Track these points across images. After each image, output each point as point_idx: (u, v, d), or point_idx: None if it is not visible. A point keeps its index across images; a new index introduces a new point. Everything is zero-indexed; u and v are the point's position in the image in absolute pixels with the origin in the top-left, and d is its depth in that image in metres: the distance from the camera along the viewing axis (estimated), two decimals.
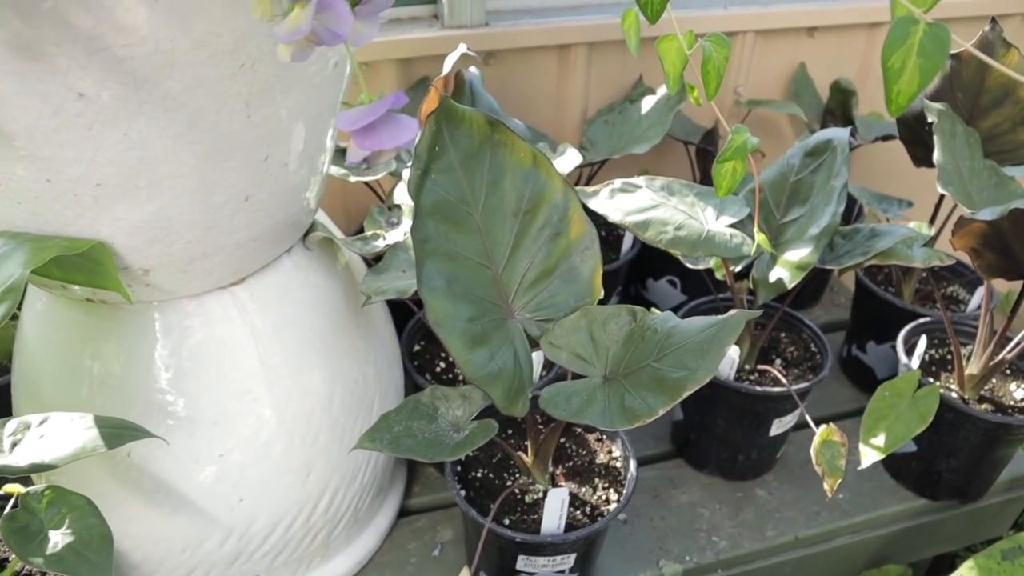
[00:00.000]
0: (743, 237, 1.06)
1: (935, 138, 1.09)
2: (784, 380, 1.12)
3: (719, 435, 1.22)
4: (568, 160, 1.20)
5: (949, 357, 1.27)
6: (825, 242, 1.06)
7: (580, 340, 0.88)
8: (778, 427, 1.20)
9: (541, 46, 1.36)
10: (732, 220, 1.10)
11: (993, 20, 1.05)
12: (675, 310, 1.45)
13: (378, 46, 1.27)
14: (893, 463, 1.28)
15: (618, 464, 1.07)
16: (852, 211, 1.49)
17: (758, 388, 1.13)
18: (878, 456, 1.06)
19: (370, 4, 0.55)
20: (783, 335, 1.28)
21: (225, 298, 0.89)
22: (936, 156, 1.09)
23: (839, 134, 1.08)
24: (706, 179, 1.47)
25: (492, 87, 1.38)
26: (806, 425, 1.36)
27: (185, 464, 0.89)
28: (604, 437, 1.11)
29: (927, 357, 1.27)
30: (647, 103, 1.30)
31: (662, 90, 1.29)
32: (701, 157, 1.44)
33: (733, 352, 1.16)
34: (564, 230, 0.91)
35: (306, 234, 0.98)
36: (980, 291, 1.40)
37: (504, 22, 1.34)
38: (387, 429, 0.90)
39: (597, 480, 1.05)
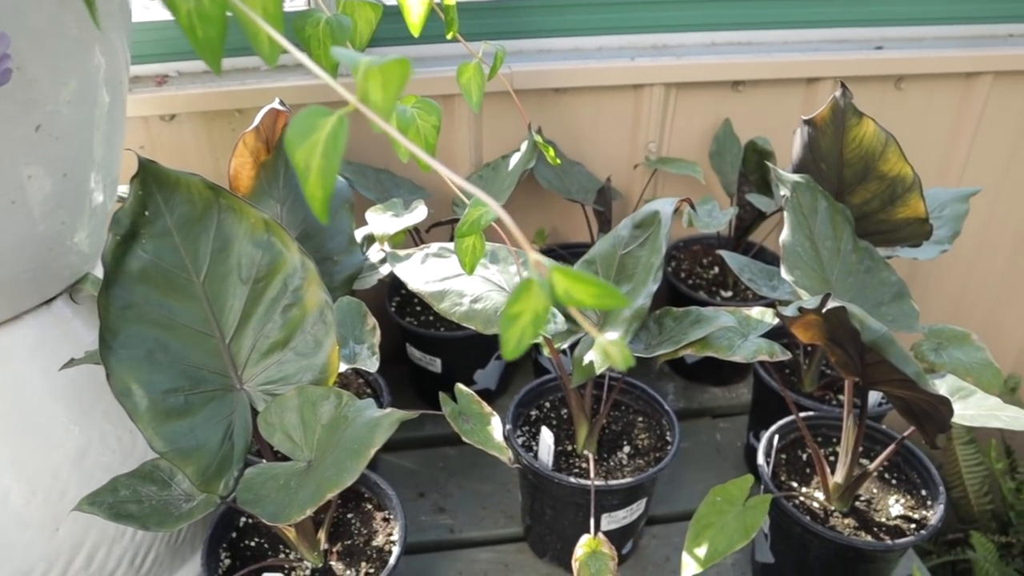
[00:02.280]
0: (552, 315, 0.97)
1: (785, 214, 0.97)
2: (591, 472, 1.01)
3: (548, 524, 1.12)
4: (409, 218, 1.14)
5: (833, 459, 1.13)
6: (636, 326, 0.95)
7: (292, 421, 0.82)
8: (611, 522, 1.08)
9: (426, 95, 1.30)
10: None
11: (843, 85, 0.93)
12: (501, 388, 1.37)
13: (264, 92, 1.24)
14: (759, 572, 1.14)
15: (393, 548, 0.98)
16: None
17: (571, 480, 1.03)
18: (697, 568, 0.94)
19: None
20: (640, 420, 1.17)
21: None
22: (783, 235, 0.96)
23: (665, 206, 0.97)
24: None
25: (376, 138, 1.33)
26: (686, 517, 1.24)
27: None
28: (390, 517, 1.03)
29: (805, 457, 1.13)
30: (514, 159, 1.22)
31: (525, 147, 1.21)
32: (599, 217, 1.34)
33: (548, 437, 1.06)
34: (299, 300, 0.85)
35: (76, 284, 0.96)
36: None
37: None
38: (112, 492, 0.86)
39: (363, 564, 0.97)
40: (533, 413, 1.18)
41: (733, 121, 1.40)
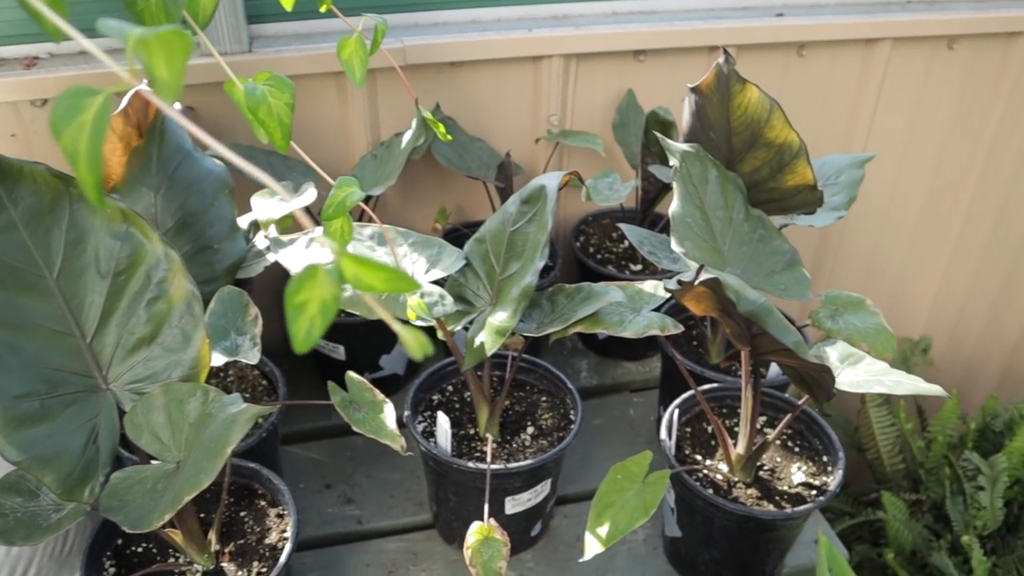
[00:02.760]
0: (439, 296, 0.94)
1: (674, 185, 0.95)
2: (490, 456, 0.99)
3: (454, 510, 1.09)
4: (297, 201, 1.09)
5: (737, 430, 1.12)
6: (524, 304, 0.92)
7: (159, 420, 0.77)
8: (515, 505, 1.06)
9: (315, 73, 1.26)
10: (443, 274, 0.98)
11: (725, 51, 0.91)
12: (410, 372, 1.34)
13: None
14: (669, 546, 1.13)
15: (285, 545, 0.95)
16: None
17: (470, 465, 1.00)
18: (600, 548, 0.93)
19: None
20: (544, 399, 1.15)
21: None
22: (672, 206, 0.94)
23: (550, 180, 0.94)
24: None
25: None
26: (585, 498, 1.23)
27: None
28: (284, 512, 0.99)
29: (710, 430, 1.12)
30: (406, 137, 1.18)
31: (414, 124, 1.17)
32: (501, 193, 1.31)
33: (444, 422, 1.03)
34: (164, 293, 0.81)
35: None
36: None
37: (270, 48, 1.24)
38: None
39: (256, 563, 0.93)
40: (435, 397, 1.16)
41: (636, 92, 1.38)
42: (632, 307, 0.95)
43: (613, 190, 1.22)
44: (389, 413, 0.98)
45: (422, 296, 0.93)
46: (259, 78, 0.70)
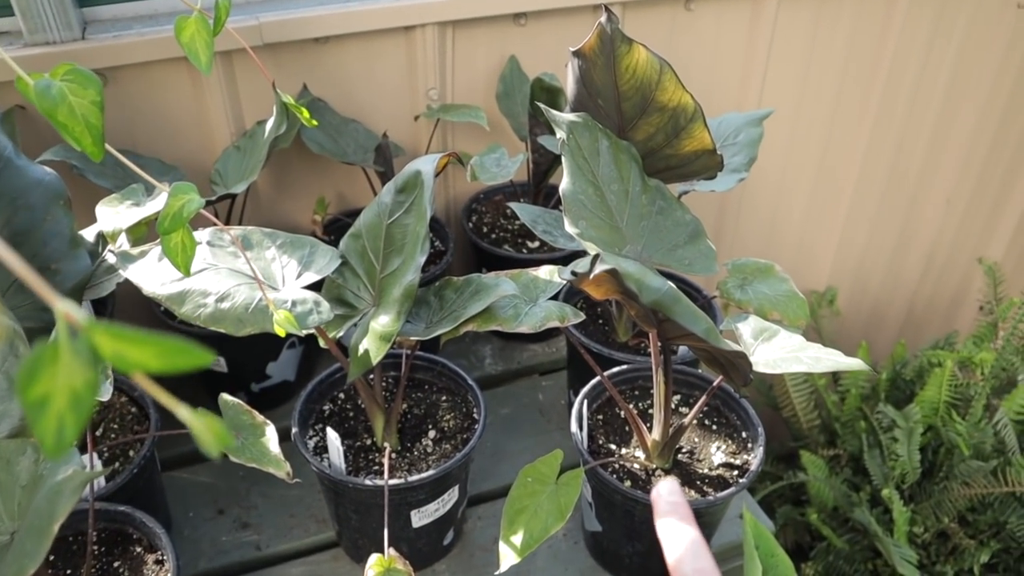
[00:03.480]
0: (314, 303, 0.84)
1: (563, 160, 0.87)
2: (387, 470, 0.90)
3: (357, 527, 1.00)
4: (150, 207, 0.97)
5: (652, 413, 1.06)
6: (408, 305, 0.83)
7: None
8: (422, 517, 0.98)
9: (163, 59, 1.13)
10: (317, 276, 0.88)
11: (607, 8, 0.83)
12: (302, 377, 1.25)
13: None
14: (590, 540, 1.07)
15: None
16: None
17: (367, 483, 0.91)
18: (515, 558, 0.85)
19: None
20: (444, 399, 1.06)
21: None
22: (563, 184, 0.86)
23: (426, 165, 0.85)
24: None
25: (114, 113, 1.15)
26: (499, 495, 1.16)
27: None
28: (164, 558, 0.88)
29: (624, 415, 1.05)
30: (269, 124, 1.07)
31: (274, 111, 1.06)
32: (382, 178, 1.21)
33: (334, 438, 0.94)
34: None
35: None
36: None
37: (108, 33, 1.10)
38: None
39: None
40: (326, 407, 1.06)
41: (520, 58, 1.29)
42: (528, 297, 0.87)
43: (501, 166, 1.13)
44: (271, 436, 0.89)
45: (293, 305, 0.83)
46: (56, 72, 0.58)
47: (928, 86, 1.62)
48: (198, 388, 1.29)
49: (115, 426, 1.05)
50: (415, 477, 0.92)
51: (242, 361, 1.21)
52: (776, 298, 0.96)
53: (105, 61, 1.10)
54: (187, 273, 0.68)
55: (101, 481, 0.95)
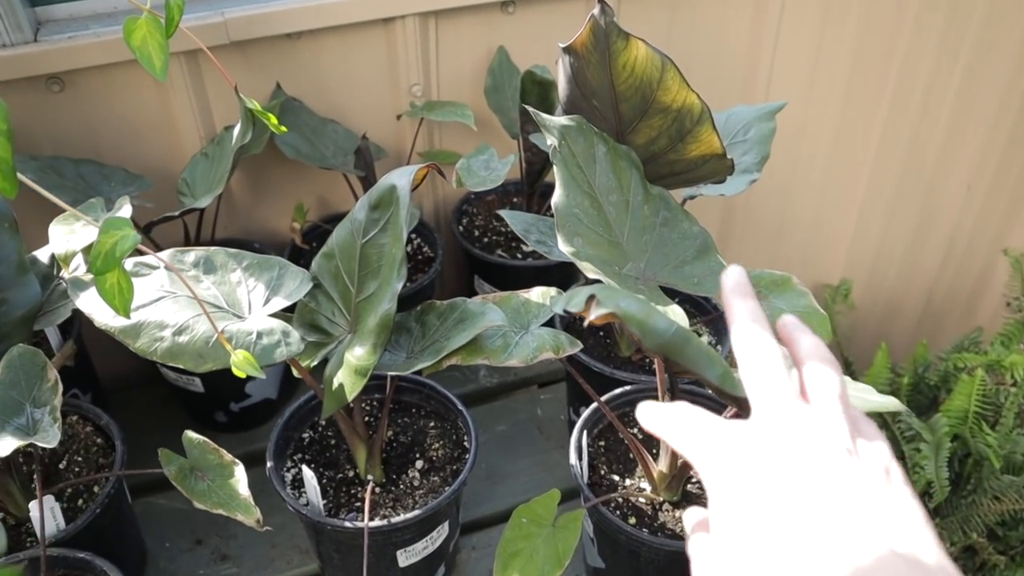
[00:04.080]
0: (281, 335, 0.76)
1: (555, 169, 0.79)
2: (368, 509, 0.82)
3: (339, 566, 0.93)
4: (91, 233, 0.88)
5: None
6: (385, 336, 0.75)
7: None
8: (409, 556, 0.90)
9: (123, 61, 1.04)
10: (287, 303, 0.80)
11: (601, 0, 0.74)
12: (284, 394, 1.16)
13: None
14: (594, 575, 0.99)
15: None
16: None
17: (347, 524, 0.84)
18: None
19: None
20: (432, 425, 0.98)
21: None
22: (555, 197, 0.78)
23: (401, 179, 0.77)
24: None
25: (73, 120, 1.06)
26: (507, 517, 1.08)
27: None
28: None
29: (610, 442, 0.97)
30: (237, 130, 0.98)
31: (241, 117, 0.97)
32: (363, 183, 1.13)
33: (310, 477, 0.86)
34: None
35: None
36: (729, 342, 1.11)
37: (62, 34, 1.01)
38: None
39: None
40: (306, 435, 0.98)
41: (509, 49, 1.20)
42: (518, 324, 0.79)
43: (490, 169, 1.04)
44: (240, 478, 0.81)
45: (259, 337, 0.75)
46: None
47: (946, 68, 1.52)
48: (173, 408, 1.21)
49: (79, 458, 0.97)
50: (398, 518, 0.84)
51: (219, 380, 1.12)
52: (794, 314, 0.88)
53: (60, 65, 1.02)
54: (126, 315, 0.60)
55: (61, 523, 0.87)
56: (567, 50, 0.79)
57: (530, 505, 0.82)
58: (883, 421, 1.40)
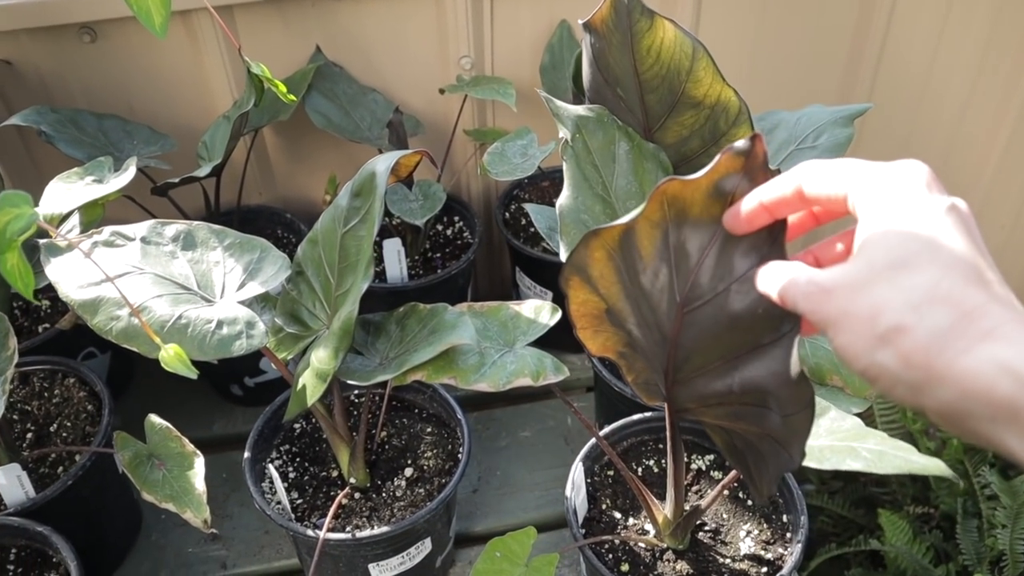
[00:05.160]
0: (245, 325, 0.69)
1: (564, 166, 0.69)
2: (331, 516, 0.75)
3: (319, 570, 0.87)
4: (113, 183, 0.84)
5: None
6: (347, 342, 0.68)
7: None
8: (383, 571, 0.83)
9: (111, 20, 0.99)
10: (261, 289, 0.73)
11: None
12: None
13: None
14: None
15: None
16: None
17: (309, 532, 0.77)
18: None
19: None
20: (428, 431, 0.90)
21: None
22: (561, 198, 0.68)
23: (381, 165, 0.68)
24: None
25: (106, 73, 1.03)
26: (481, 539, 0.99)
27: None
28: None
29: (640, 471, 0.87)
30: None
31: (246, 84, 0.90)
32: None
33: (278, 479, 0.80)
34: None
35: None
36: None
37: None
38: None
39: None
40: (298, 425, 0.92)
41: (573, 24, 1.09)
42: (503, 341, 0.70)
43: (526, 156, 0.94)
44: (199, 471, 0.75)
45: (218, 326, 0.69)
46: None
47: None
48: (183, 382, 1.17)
49: (68, 424, 0.94)
50: (365, 533, 0.77)
51: None
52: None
53: (90, 13, 0.98)
54: (30, 297, 0.54)
55: (30, 491, 0.84)
56: (587, 27, 0.68)
57: (505, 539, 0.74)
58: (964, 470, 1.23)
